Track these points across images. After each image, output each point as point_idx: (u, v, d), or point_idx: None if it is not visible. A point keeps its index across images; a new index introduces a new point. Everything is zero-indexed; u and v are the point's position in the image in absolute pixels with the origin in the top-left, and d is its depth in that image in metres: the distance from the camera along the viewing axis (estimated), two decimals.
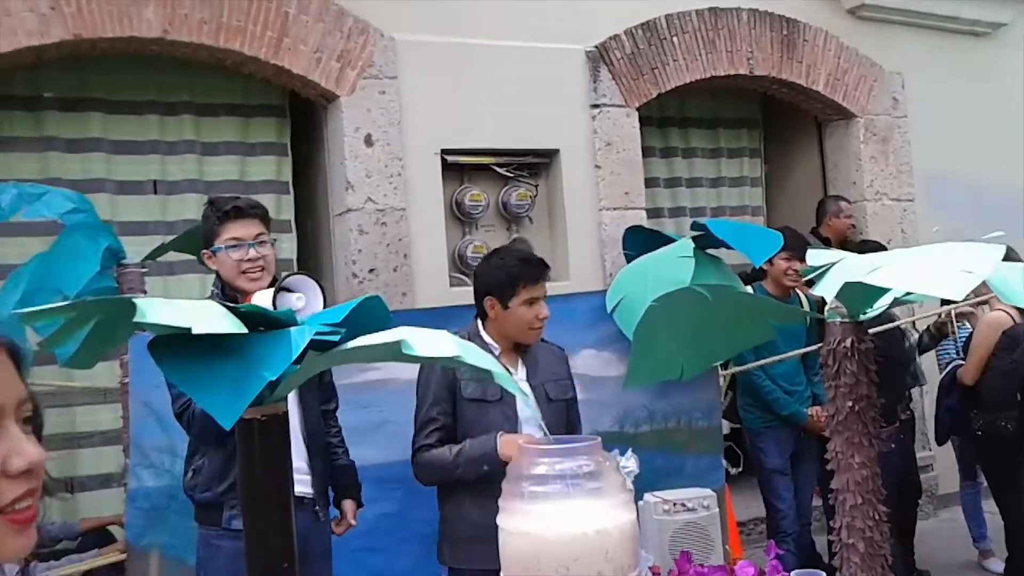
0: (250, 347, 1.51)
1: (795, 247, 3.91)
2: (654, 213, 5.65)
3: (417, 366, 3.31)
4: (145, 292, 3.60)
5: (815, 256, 2.30)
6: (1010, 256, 3.56)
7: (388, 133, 4.59)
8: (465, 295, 3.49)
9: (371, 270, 4.50)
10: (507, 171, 5.01)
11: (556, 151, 5.04)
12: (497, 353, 2.73)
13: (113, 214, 4.33)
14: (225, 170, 4.68)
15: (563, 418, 2.82)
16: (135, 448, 3.17)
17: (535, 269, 2.79)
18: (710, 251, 3.57)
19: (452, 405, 2.75)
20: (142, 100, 4.51)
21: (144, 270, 3.64)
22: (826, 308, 2.25)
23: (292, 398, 2.66)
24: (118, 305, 1.39)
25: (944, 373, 4.72)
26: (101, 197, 4.28)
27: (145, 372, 2.82)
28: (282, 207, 4.78)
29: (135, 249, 3.77)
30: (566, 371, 2.92)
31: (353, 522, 2.90)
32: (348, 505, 2.91)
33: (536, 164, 5.10)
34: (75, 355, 1.61)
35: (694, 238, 3.53)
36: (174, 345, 1.53)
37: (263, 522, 1.67)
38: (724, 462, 3.85)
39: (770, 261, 4.02)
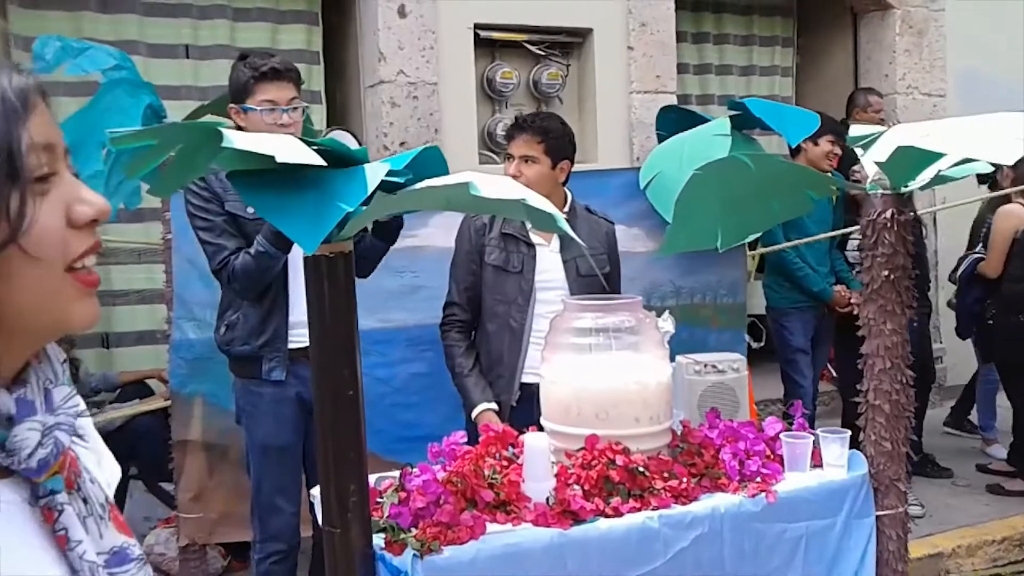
0: (327, 180, 1.56)
1: (838, 132, 3.92)
2: (683, 100, 5.59)
3: (451, 235, 3.39)
4: None
5: (857, 129, 2.33)
6: None
7: (421, 4, 4.53)
8: (492, 173, 3.52)
9: (402, 143, 4.51)
10: (539, 49, 4.96)
11: (590, 30, 4.98)
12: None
13: (146, 77, 4.30)
14: (256, 36, 4.65)
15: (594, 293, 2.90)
16: (179, 302, 3.26)
17: (512, 129, 2.89)
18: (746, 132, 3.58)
19: (479, 267, 2.86)
20: None
21: None
22: (868, 180, 2.29)
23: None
24: (203, 131, 1.44)
25: (964, 267, 4.73)
26: (134, 60, 4.25)
27: (187, 229, 2.87)
28: (312, 77, 4.76)
29: (169, 113, 3.76)
30: (606, 245, 2.97)
31: None
32: None
33: (569, 43, 5.04)
34: (156, 182, 1.67)
35: (730, 118, 3.53)
36: (254, 177, 1.59)
37: (330, 352, 1.77)
38: (747, 337, 3.96)
39: (815, 142, 4.01)
